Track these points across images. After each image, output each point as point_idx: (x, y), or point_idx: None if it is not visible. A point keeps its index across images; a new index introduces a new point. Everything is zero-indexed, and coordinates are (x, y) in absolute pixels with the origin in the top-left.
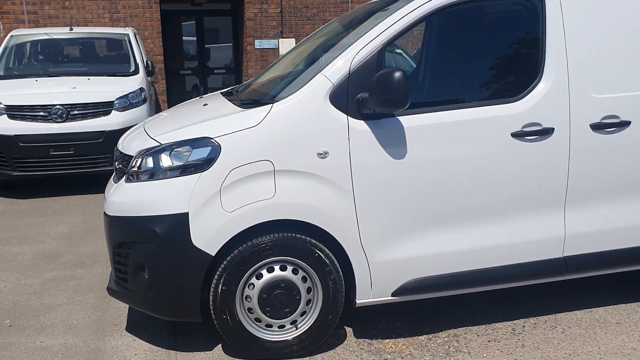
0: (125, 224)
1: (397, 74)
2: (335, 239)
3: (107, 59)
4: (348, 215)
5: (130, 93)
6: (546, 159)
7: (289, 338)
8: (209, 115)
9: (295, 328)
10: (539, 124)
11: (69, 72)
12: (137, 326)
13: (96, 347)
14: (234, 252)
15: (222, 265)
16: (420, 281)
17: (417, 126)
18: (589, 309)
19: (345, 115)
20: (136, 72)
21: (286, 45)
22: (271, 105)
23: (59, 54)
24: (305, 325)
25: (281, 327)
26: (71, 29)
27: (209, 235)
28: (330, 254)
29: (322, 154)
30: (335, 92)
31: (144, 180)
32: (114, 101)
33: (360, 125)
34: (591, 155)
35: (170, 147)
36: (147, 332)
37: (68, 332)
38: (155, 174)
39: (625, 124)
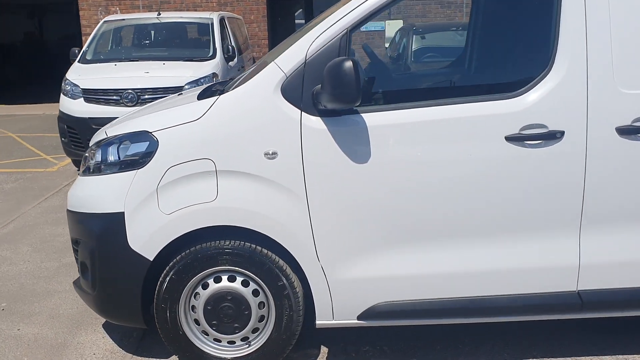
0: (73, 219)
1: (346, 65)
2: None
3: (189, 43)
4: (302, 225)
5: (201, 78)
6: (553, 170)
7: (240, 355)
8: (163, 107)
9: (247, 345)
10: (543, 126)
11: (149, 57)
12: (113, 324)
13: (63, 341)
14: (177, 258)
15: (165, 271)
16: (393, 305)
17: (385, 125)
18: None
19: (299, 111)
20: (213, 57)
21: (393, 27)
22: (217, 97)
23: (144, 40)
24: (258, 343)
25: (231, 342)
26: (159, 14)
27: (145, 238)
28: (286, 267)
29: (270, 154)
30: (289, 83)
31: (91, 175)
32: (183, 86)
33: (315, 122)
34: (617, 168)
35: (113, 141)
36: (119, 330)
37: (47, 322)
38: (101, 168)
39: None
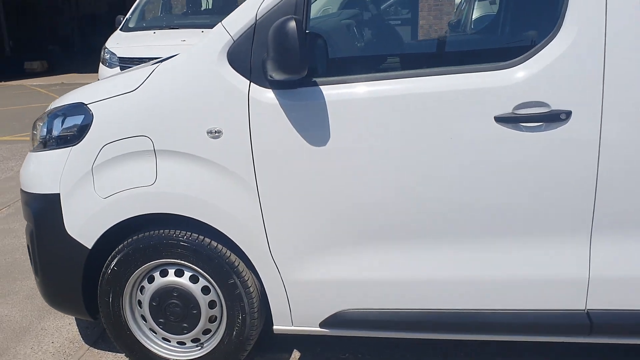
0: (21, 198)
1: (289, 25)
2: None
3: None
4: (252, 217)
5: None
6: (556, 160)
7: (190, 359)
8: (114, 77)
9: (199, 347)
10: (544, 104)
11: (191, 25)
12: None
13: (28, 325)
14: (119, 247)
15: (107, 262)
16: (361, 314)
17: (348, 100)
18: None
19: (247, 82)
20: None
21: None
22: (158, 64)
23: (190, 7)
24: (210, 345)
25: (181, 343)
26: None
27: (82, 224)
28: (238, 263)
29: (213, 132)
30: (236, 49)
31: (34, 151)
32: None
33: (265, 96)
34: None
35: (56, 114)
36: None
37: (20, 303)
38: (44, 144)
39: None
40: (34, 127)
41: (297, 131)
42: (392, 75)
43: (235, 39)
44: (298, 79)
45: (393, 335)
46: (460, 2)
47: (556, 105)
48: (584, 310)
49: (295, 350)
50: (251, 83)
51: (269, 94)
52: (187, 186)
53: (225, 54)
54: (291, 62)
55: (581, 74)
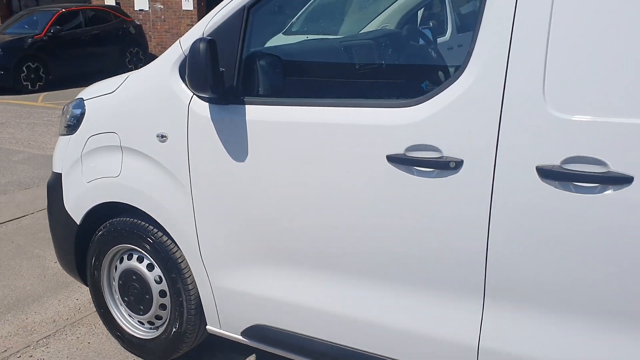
0: None
1: (199, 46)
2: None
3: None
4: (187, 220)
5: None
6: (446, 211)
7: (145, 337)
8: None
9: (155, 330)
10: (435, 149)
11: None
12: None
13: (70, 281)
14: (101, 227)
15: (93, 237)
16: (272, 331)
17: (263, 121)
18: None
19: (190, 95)
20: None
21: None
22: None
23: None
24: (159, 331)
25: (141, 323)
26: None
27: (73, 202)
28: (182, 260)
29: (161, 136)
30: (184, 63)
31: (61, 135)
32: None
33: (202, 108)
34: (536, 225)
35: (70, 106)
36: (82, 300)
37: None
38: (64, 129)
39: (620, 180)
40: (62, 113)
41: (223, 144)
42: (302, 102)
43: (185, 54)
44: (233, 94)
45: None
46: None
47: (447, 151)
48: None
49: (255, 354)
50: (193, 96)
51: (204, 107)
52: (139, 181)
53: (177, 68)
54: (200, 81)
55: (476, 122)
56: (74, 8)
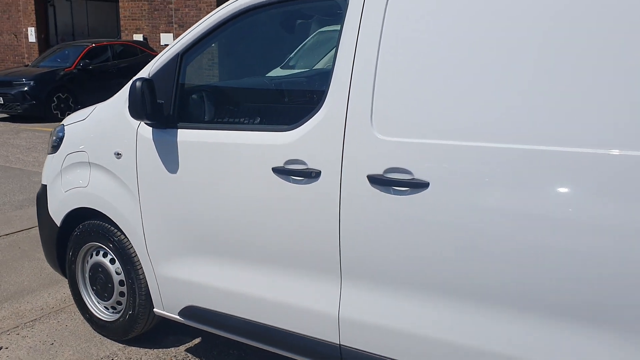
0: None
1: (137, 84)
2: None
3: None
4: (137, 221)
5: None
6: (312, 209)
7: (108, 320)
8: None
9: (117, 314)
10: (303, 162)
11: None
12: None
13: (62, 279)
14: (76, 228)
15: (70, 237)
16: (199, 310)
17: (186, 142)
18: None
19: (139, 121)
20: None
21: None
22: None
23: None
24: (119, 314)
25: (106, 308)
26: None
27: (54, 207)
28: (135, 255)
29: (117, 154)
30: None
31: (48, 153)
32: None
33: (147, 132)
34: (370, 220)
35: (58, 129)
36: (67, 294)
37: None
38: (52, 148)
39: (421, 185)
40: (50, 136)
41: (161, 160)
42: (215, 126)
43: None
44: (170, 121)
45: (229, 336)
46: None
47: (311, 164)
48: (338, 344)
49: (201, 336)
50: (141, 122)
51: (149, 131)
52: (102, 190)
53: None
54: (137, 110)
55: (329, 142)
56: (103, 43)
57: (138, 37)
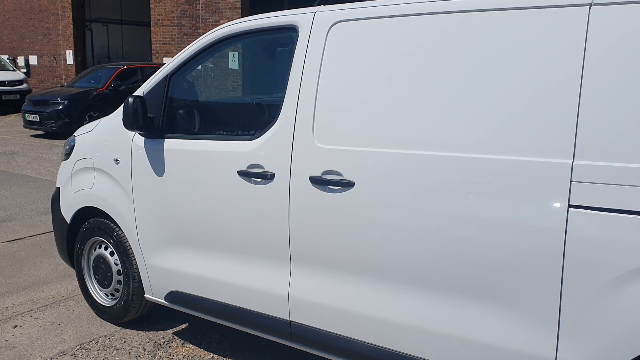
0: None
1: (129, 100)
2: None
3: None
4: (131, 217)
5: None
6: (268, 206)
7: (107, 305)
8: None
9: (115, 300)
10: (261, 166)
11: None
12: None
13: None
14: (83, 225)
15: (78, 233)
16: (180, 295)
17: (171, 149)
18: None
19: (134, 132)
20: None
21: None
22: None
23: None
24: (117, 300)
25: (106, 295)
26: None
27: (65, 207)
28: (129, 247)
29: (116, 160)
30: None
31: (62, 160)
32: None
33: (140, 141)
34: (312, 214)
35: (67, 140)
36: (78, 285)
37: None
38: (65, 155)
39: (348, 184)
40: (64, 145)
41: (150, 165)
42: (194, 136)
43: None
44: (159, 132)
45: (208, 317)
46: None
47: (268, 168)
48: (288, 320)
49: (188, 323)
50: (135, 133)
51: (142, 140)
52: (104, 191)
53: None
54: (129, 122)
55: (281, 149)
56: (134, 65)
57: (168, 59)
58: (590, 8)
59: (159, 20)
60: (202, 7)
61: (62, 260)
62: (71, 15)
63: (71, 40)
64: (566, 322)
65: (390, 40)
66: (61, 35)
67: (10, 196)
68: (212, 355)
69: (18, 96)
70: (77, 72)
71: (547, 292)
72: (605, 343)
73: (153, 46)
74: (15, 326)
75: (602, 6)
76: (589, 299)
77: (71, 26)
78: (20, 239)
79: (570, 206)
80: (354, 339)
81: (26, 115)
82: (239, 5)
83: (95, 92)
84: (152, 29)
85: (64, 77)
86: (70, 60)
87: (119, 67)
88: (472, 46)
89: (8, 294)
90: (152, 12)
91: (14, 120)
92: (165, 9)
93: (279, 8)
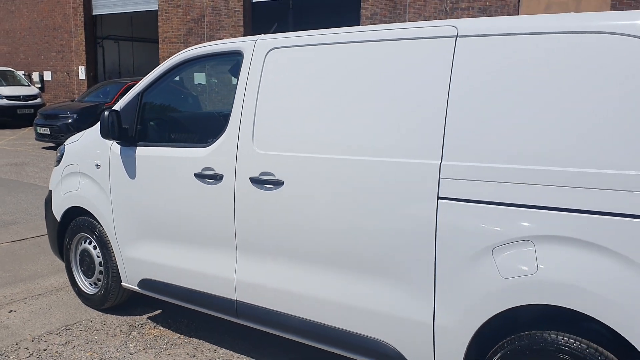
0: None
1: (105, 113)
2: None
3: None
4: (109, 215)
5: None
6: (218, 202)
7: (90, 293)
8: None
9: (97, 288)
10: (213, 169)
11: None
12: None
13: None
14: (71, 222)
15: (67, 229)
16: (150, 282)
17: (141, 156)
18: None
19: (112, 141)
20: None
21: None
22: (90, 128)
23: None
24: (99, 288)
25: (90, 284)
26: None
27: (56, 207)
28: (109, 241)
29: (97, 165)
30: None
31: (54, 166)
32: None
33: (116, 148)
34: (252, 208)
35: (59, 149)
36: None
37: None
38: (57, 162)
39: (279, 183)
40: (56, 152)
41: (125, 169)
42: (158, 144)
43: None
44: (132, 140)
45: (178, 303)
46: None
47: (217, 170)
48: (234, 299)
49: (163, 309)
50: (113, 141)
51: (118, 148)
52: (87, 193)
53: None
54: (105, 132)
55: (228, 154)
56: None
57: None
58: (456, 39)
59: (166, 37)
60: (207, 25)
61: (57, 258)
62: (84, 33)
63: (83, 56)
64: (440, 291)
65: (311, 65)
66: (74, 51)
67: (17, 202)
68: (179, 335)
69: (32, 110)
70: (88, 87)
71: (424, 267)
72: (466, 309)
73: (160, 62)
74: (11, 311)
75: (465, 38)
76: (455, 272)
77: (84, 43)
78: (23, 239)
79: (439, 198)
80: (287, 313)
81: (38, 128)
82: (241, 23)
83: (103, 106)
84: (160, 45)
85: (76, 92)
86: (82, 75)
87: (126, 83)
88: (368, 69)
89: (7, 284)
90: (159, 29)
91: (28, 133)
92: (172, 27)
93: (280, 26)
